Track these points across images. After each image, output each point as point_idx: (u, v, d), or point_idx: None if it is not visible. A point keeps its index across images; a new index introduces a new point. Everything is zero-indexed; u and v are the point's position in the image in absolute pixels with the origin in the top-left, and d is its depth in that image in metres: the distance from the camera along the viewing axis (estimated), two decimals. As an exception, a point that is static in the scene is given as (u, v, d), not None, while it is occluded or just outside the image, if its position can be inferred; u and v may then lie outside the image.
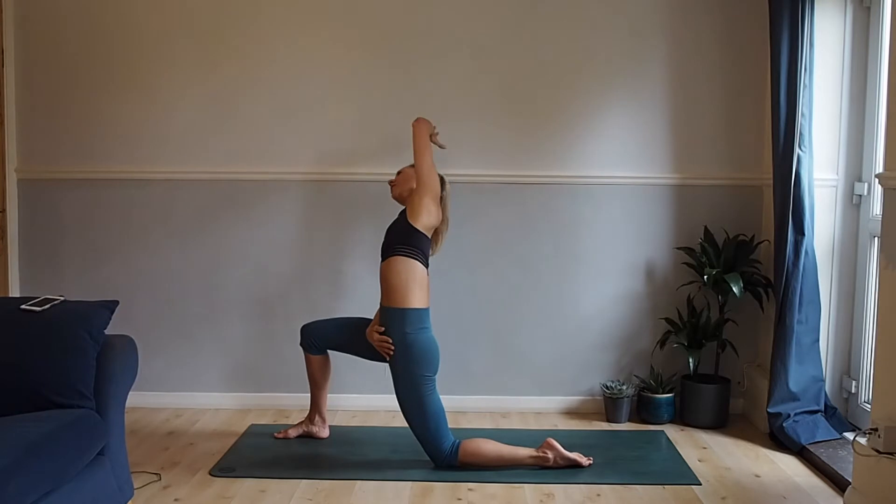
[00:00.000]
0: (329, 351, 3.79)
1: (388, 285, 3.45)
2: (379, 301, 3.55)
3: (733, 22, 4.12)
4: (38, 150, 4.22)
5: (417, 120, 3.68)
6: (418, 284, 3.43)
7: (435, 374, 3.43)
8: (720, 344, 4.09)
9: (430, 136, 3.69)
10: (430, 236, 3.53)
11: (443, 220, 3.67)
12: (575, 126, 4.17)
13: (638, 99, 4.16)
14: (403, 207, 3.60)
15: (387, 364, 3.54)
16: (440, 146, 3.79)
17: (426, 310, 3.46)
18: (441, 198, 3.64)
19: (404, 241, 3.46)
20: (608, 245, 4.21)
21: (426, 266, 3.50)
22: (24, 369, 2.60)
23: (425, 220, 3.48)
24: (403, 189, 3.65)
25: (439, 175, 3.66)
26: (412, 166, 3.66)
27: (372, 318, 3.65)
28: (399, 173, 3.72)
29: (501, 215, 4.19)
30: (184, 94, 4.17)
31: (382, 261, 3.52)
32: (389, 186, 3.74)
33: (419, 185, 3.53)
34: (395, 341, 3.41)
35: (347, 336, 3.71)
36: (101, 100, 4.18)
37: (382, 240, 3.57)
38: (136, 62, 4.16)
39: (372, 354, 3.63)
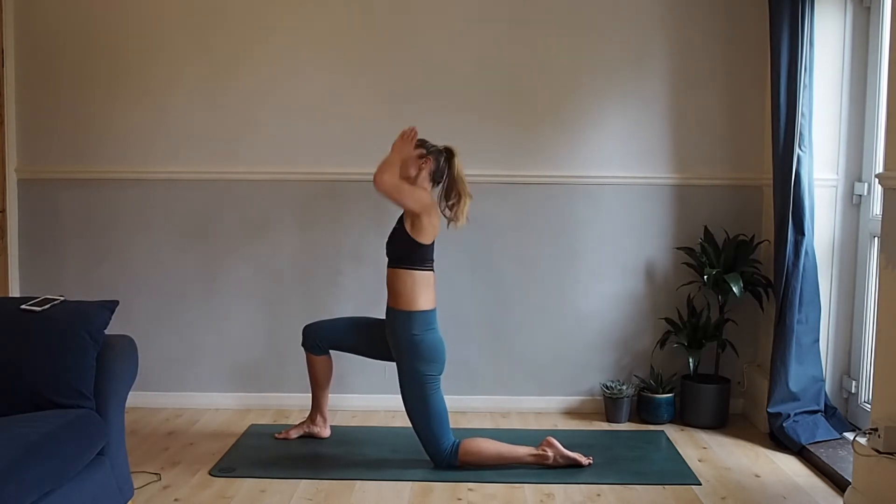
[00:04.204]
0: (331, 351, 3.79)
1: (394, 290, 3.43)
2: (386, 301, 3.52)
3: (733, 22, 4.12)
4: (38, 150, 4.22)
5: (394, 144, 3.44)
6: (426, 288, 3.42)
7: (440, 373, 3.43)
8: (720, 344, 4.08)
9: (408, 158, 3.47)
10: (433, 242, 3.49)
11: (464, 193, 3.53)
12: (575, 126, 4.17)
13: (638, 99, 4.16)
14: (402, 213, 3.55)
15: (389, 363, 3.54)
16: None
17: (433, 311, 3.45)
18: (450, 176, 3.51)
19: (409, 255, 3.42)
20: (608, 245, 4.21)
21: (432, 269, 3.48)
22: (24, 369, 2.60)
23: (430, 236, 3.42)
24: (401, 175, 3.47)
25: (447, 148, 3.54)
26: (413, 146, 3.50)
27: (375, 317, 3.65)
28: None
29: (501, 215, 4.19)
30: (184, 94, 4.17)
31: (388, 267, 3.49)
32: None
33: (412, 211, 3.38)
34: (403, 341, 3.41)
35: (353, 336, 3.70)
36: (101, 100, 4.18)
37: (385, 243, 3.55)
38: (136, 63, 4.17)
39: (378, 353, 3.62)
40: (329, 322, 3.79)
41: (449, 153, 3.57)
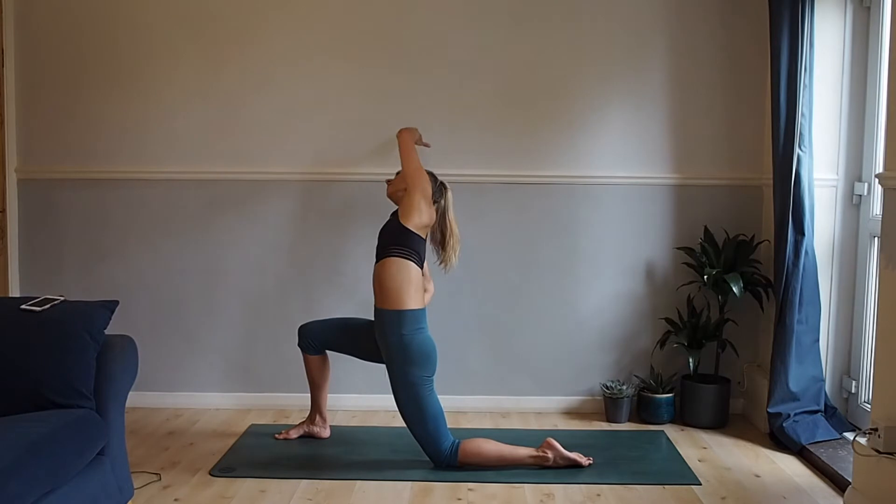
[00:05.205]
0: (328, 351, 3.79)
1: (382, 287, 3.44)
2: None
3: (733, 22, 4.12)
4: (38, 150, 4.22)
5: (400, 130, 3.75)
6: (413, 285, 3.42)
7: (433, 374, 3.43)
8: (720, 344, 4.08)
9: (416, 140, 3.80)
10: (423, 236, 3.53)
11: (449, 232, 3.66)
12: (575, 126, 4.16)
13: (638, 99, 4.16)
14: (396, 209, 3.60)
15: (384, 365, 3.54)
16: (425, 145, 3.89)
17: (422, 310, 3.45)
18: (440, 205, 3.63)
19: (398, 242, 3.45)
20: (608, 245, 4.21)
21: (420, 266, 3.50)
22: (24, 369, 2.60)
23: (417, 219, 3.48)
24: (398, 188, 3.64)
25: (442, 182, 3.67)
26: None
27: (369, 318, 3.65)
28: (398, 174, 3.72)
29: (501, 215, 4.19)
30: (184, 95, 4.17)
31: (376, 262, 3.51)
32: (386, 185, 3.75)
33: (408, 186, 3.53)
34: (392, 342, 3.40)
35: (345, 336, 3.71)
36: (101, 100, 4.18)
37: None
38: (137, 62, 4.16)
39: (369, 355, 3.63)
40: (322, 322, 3.80)
41: (443, 184, 3.69)
